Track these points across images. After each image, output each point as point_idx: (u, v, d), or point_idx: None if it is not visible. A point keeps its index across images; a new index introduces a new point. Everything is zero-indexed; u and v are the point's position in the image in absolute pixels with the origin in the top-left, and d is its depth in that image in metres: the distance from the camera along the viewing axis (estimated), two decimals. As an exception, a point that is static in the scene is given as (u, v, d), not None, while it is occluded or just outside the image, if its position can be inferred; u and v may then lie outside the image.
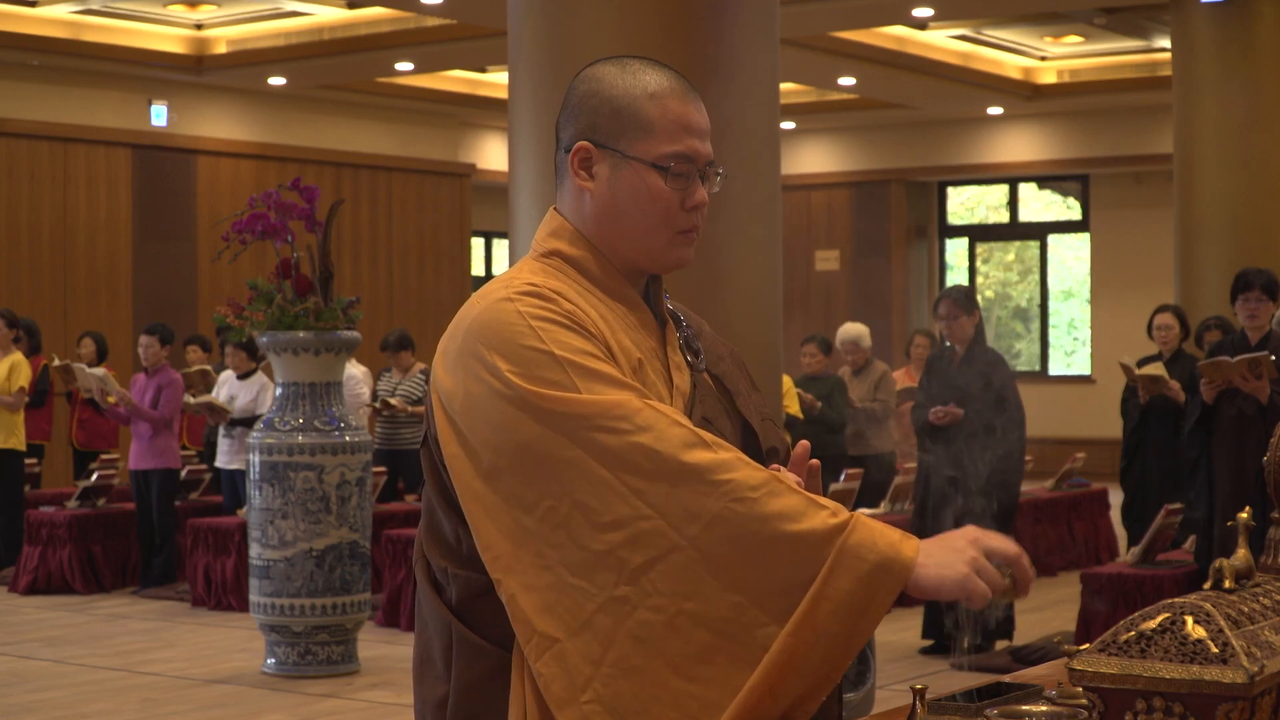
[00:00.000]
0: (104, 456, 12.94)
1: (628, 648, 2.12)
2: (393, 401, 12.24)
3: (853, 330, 11.97)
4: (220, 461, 11.78)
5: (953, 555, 2.10)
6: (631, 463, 2.14)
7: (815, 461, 2.35)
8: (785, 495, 2.11)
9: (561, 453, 2.17)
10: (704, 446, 2.14)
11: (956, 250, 21.98)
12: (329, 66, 16.47)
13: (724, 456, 2.14)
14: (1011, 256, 21.90)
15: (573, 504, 2.15)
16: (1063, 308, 21.56)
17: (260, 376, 11.68)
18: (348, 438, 8.61)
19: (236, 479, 11.48)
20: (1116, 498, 10.85)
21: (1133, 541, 9.92)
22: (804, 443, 2.39)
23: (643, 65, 2.41)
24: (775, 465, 2.36)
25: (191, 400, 11.88)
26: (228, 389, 11.80)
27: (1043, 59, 18.39)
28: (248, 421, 11.35)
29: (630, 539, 2.12)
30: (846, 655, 2.11)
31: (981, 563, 2.10)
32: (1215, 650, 1.93)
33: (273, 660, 8.63)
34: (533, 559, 2.18)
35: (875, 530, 2.11)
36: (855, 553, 2.08)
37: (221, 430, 11.70)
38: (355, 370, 12.32)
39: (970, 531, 2.15)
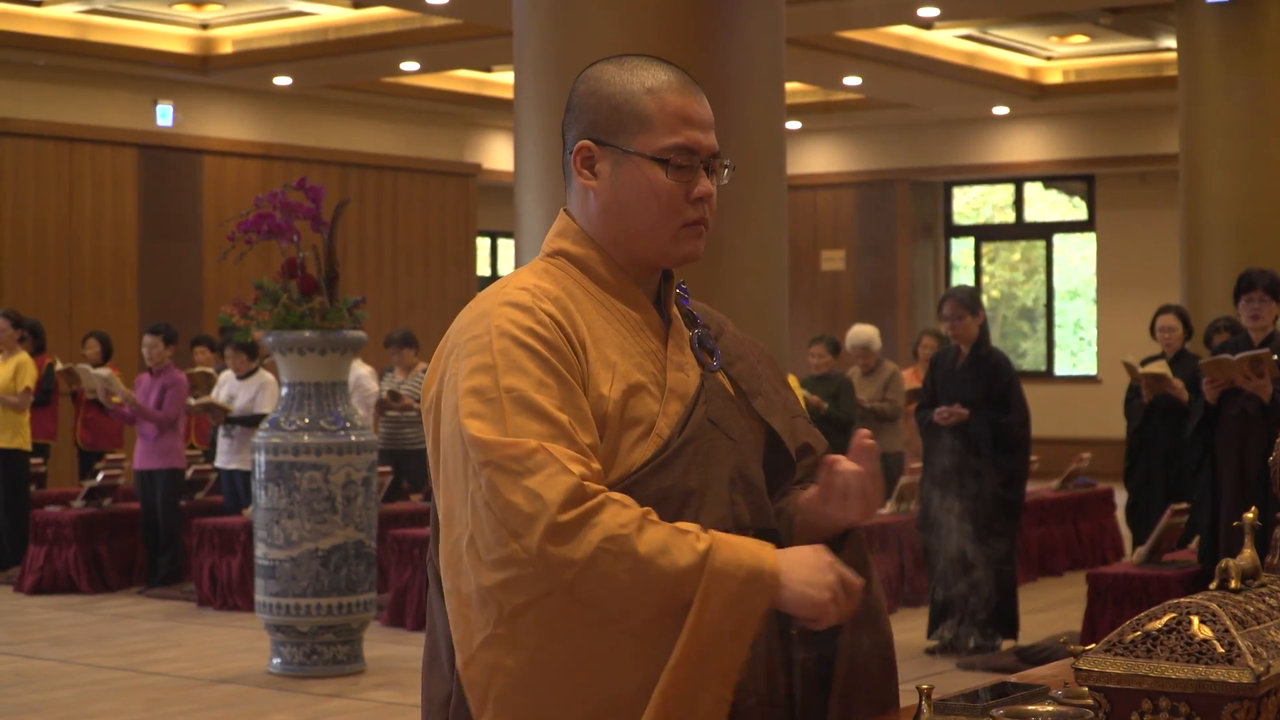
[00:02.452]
0: (109, 456, 12.96)
1: (506, 685, 2.20)
2: (400, 393, 12.29)
3: (863, 333, 11.92)
4: (220, 462, 11.80)
5: (818, 576, 2.21)
6: (513, 506, 2.16)
7: (870, 442, 2.38)
8: (649, 530, 2.16)
9: (469, 482, 2.22)
10: (578, 500, 2.15)
11: (962, 250, 21.98)
12: (334, 66, 16.48)
13: (594, 502, 2.16)
14: (1017, 256, 21.90)
15: (473, 535, 2.20)
16: (1068, 307, 21.55)
17: (260, 377, 11.70)
18: (353, 437, 8.62)
19: (236, 479, 11.50)
20: (1122, 498, 10.85)
21: (1137, 541, 9.92)
22: (863, 431, 2.43)
23: (641, 62, 2.42)
24: (807, 462, 2.42)
25: (193, 402, 11.89)
26: (228, 389, 11.81)
27: (1048, 59, 18.38)
28: (246, 421, 11.39)
29: (508, 582, 2.16)
30: (734, 665, 2.19)
31: (838, 591, 2.22)
32: (1221, 650, 1.93)
33: (278, 660, 8.64)
34: (450, 580, 2.26)
35: (736, 546, 2.20)
36: (723, 572, 2.16)
37: (221, 430, 11.72)
38: (363, 369, 12.35)
39: (826, 555, 2.25)
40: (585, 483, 2.17)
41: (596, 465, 2.22)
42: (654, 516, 2.19)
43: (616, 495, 2.19)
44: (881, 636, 2.45)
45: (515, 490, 2.15)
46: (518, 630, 2.16)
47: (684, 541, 2.16)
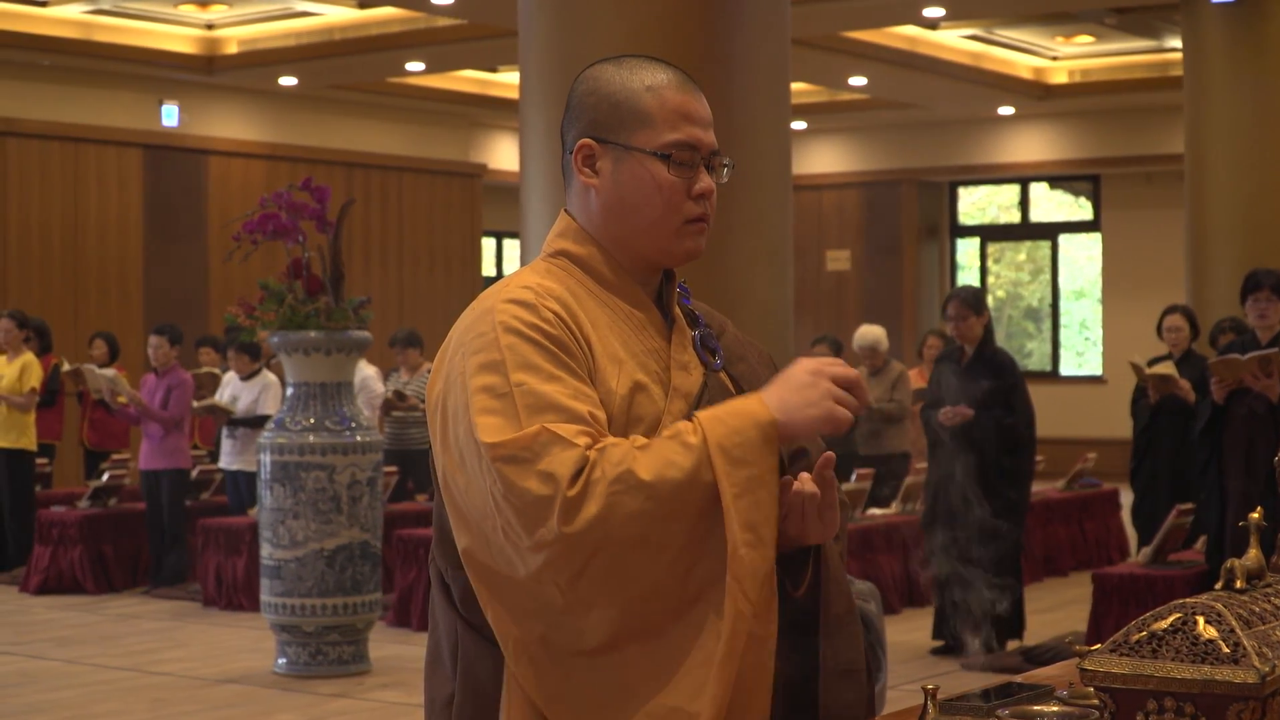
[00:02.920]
0: (115, 456, 12.97)
1: (599, 632, 2.19)
2: (406, 393, 12.30)
3: (870, 335, 11.89)
4: (224, 462, 11.81)
5: (808, 393, 2.25)
6: (529, 493, 2.18)
7: (830, 474, 2.33)
8: (642, 456, 2.19)
9: (484, 479, 2.22)
10: (581, 467, 2.17)
11: (968, 250, 21.97)
12: (340, 66, 16.49)
13: (591, 462, 2.18)
14: (1023, 256, 21.88)
15: (505, 526, 2.21)
16: (1074, 308, 21.54)
17: (262, 378, 11.71)
18: (359, 438, 8.62)
19: (240, 480, 11.50)
20: (1128, 498, 10.84)
21: (1143, 542, 9.91)
22: (828, 454, 2.38)
23: (640, 62, 2.43)
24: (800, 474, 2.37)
25: (196, 405, 11.89)
26: (230, 390, 11.82)
27: (1054, 59, 18.38)
28: (249, 422, 11.40)
29: (549, 563, 2.17)
30: (774, 521, 2.23)
31: (836, 391, 2.25)
32: (1227, 650, 1.92)
33: (284, 660, 8.64)
34: (500, 569, 2.23)
35: (723, 418, 2.23)
36: (724, 447, 2.20)
37: (225, 431, 11.73)
38: (368, 370, 12.35)
39: (808, 364, 2.28)
40: (588, 451, 2.18)
41: (609, 438, 2.23)
42: (641, 440, 2.22)
43: (605, 442, 2.21)
44: (852, 657, 2.41)
45: (529, 476, 2.17)
46: (582, 595, 2.17)
47: (677, 445, 2.20)
